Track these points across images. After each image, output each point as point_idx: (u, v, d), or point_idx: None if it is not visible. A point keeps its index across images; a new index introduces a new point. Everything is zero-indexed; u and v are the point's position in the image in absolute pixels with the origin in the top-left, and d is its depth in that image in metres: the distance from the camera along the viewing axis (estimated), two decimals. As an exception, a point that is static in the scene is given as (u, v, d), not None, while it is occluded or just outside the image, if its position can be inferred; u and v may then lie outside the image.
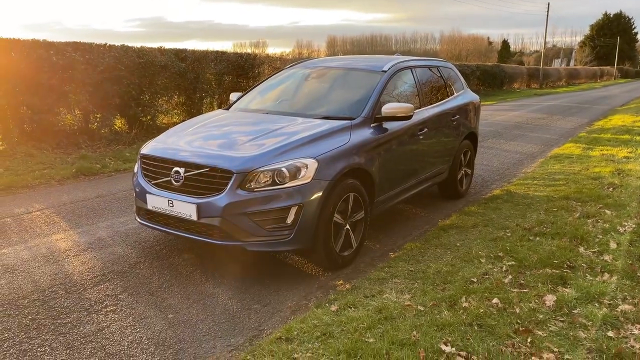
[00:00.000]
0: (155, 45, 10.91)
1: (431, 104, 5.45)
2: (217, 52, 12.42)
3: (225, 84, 12.34)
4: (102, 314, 3.30)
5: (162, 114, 11.14)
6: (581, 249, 4.24)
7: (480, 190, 6.65)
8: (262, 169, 3.59)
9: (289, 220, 3.61)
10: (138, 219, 4.17)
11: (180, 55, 11.13)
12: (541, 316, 3.12)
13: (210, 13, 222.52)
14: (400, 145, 4.75)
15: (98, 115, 9.29)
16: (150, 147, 4.19)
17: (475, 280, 3.64)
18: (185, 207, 3.67)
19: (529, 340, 2.86)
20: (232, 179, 3.57)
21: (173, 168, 3.80)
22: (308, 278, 3.92)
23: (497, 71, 28.07)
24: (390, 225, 5.19)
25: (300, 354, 2.76)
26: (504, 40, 74.41)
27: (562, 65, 67.53)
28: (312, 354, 2.76)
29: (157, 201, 3.85)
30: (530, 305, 3.26)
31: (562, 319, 3.11)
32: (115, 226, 4.93)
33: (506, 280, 3.63)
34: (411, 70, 5.31)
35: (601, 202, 5.61)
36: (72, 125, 9.21)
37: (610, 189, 6.22)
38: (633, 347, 2.81)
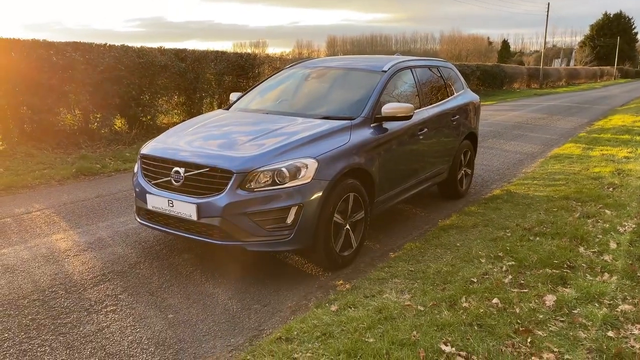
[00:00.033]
0: (155, 45, 10.96)
1: (431, 104, 5.46)
2: (217, 52, 12.42)
3: (225, 84, 12.35)
4: (102, 314, 3.30)
5: (162, 114, 11.14)
6: (581, 249, 4.24)
7: (480, 190, 6.65)
8: (262, 169, 3.59)
9: (289, 220, 3.61)
10: (138, 219, 4.17)
11: (180, 55, 11.14)
12: (541, 316, 3.12)
13: (210, 13, 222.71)
14: (400, 145, 4.75)
15: (98, 115, 9.29)
16: (150, 147, 4.19)
17: (475, 280, 3.64)
18: (185, 207, 3.67)
19: (529, 340, 2.86)
20: (232, 179, 3.57)
21: (173, 168, 3.80)
22: (308, 278, 3.92)
23: (497, 71, 28.07)
24: (390, 225, 5.19)
25: (300, 354, 2.76)
26: (504, 40, 74.44)
27: (562, 65, 67.52)
28: (312, 354, 2.76)
29: (157, 201, 3.85)
30: (530, 305, 3.26)
31: (562, 319, 3.11)
32: (115, 226, 4.93)
33: (506, 280, 3.63)
34: (411, 70, 5.31)
35: (601, 202, 5.61)
36: (72, 125, 9.21)
37: (610, 189, 6.22)
38: (633, 347, 2.81)
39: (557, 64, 70.85)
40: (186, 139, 4.21)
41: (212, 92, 12.20)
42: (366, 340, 2.84)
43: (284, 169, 3.61)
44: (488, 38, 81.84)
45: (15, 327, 3.12)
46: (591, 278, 3.68)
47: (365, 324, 3.01)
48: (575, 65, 66.95)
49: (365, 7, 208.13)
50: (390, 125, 4.54)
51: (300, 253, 4.21)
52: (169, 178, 3.81)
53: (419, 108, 5.13)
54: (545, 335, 2.93)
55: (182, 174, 3.75)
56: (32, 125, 8.34)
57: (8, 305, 3.37)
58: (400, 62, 5.18)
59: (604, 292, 3.42)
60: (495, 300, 3.30)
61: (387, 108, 4.39)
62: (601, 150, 9.07)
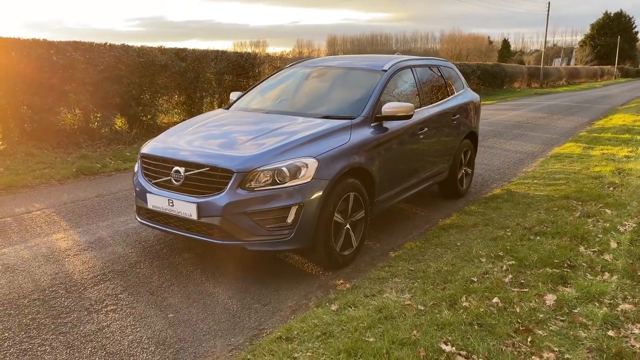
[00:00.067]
0: (155, 44, 10.94)
1: (431, 103, 5.45)
2: (217, 51, 12.41)
3: (225, 83, 12.35)
4: (102, 314, 3.30)
5: (162, 113, 11.14)
6: (581, 249, 4.24)
7: (480, 189, 6.65)
8: (262, 168, 3.59)
9: (289, 219, 3.61)
10: (138, 219, 4.17)
11: (180, 54, 11.13)
12: (541, 315, 3.12)
13: (211, 12, 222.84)
14: (401, 145, 4.75)
15: (98, 115, 9.29)
16: (150, 147, 4.19)
17: (475, 279, 3.64)
18: (186, 207, 3.67)
19: (529, 339, 2.86)
20: (232, 178, 3.57)
21: (173, 167, 3.80)
22: (308, 277, 3.92)
23: (497, 70, 28.05)
24: (391, 224, 5.19)
25: (301, 353, 2.76)
26: (505, 39, 74.30)
27: (562, 64, 67.44)
28: (313, 353, 2.76)
29: (157, 200, 3.85)
30: (531, 304, 3.26)
31: (562, 318, 3.11)
32: (116, 225, 4.93)
33: (506, 280, 3.63)
34: (411, 70, 5.31)
35: (601, 201, 5.60)
36: (72, 125, 9.21)
37: (611, 188, 6.21)
38: (633, 346, 2.81)
39: (557, 63, 70.73)
40: (186, 139, 4.21)
41: (213, 91, 12.20)
42: (366, 339, 2.84)
43: (284, 169, 3.61)
44: (488, 37, 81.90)
45: (16, 326, 3.12)
46: (591, 277, 3.68)
47: (365, 324, 3.01)
48: (575, 64, 66.86)
49: (366, 6, 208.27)
50: (391, 125, 4.54)
51: (301, 252, 4.21)
52: (169, 177, 3.81)
53: (419, 107, 5.13)
54: (545, 334, 2.93)
55: (182, 174, 3.74)
56: (33, 125, 8.34)
57: (8, 305, 3.37)
58: (400, 62, 5.18)
59: (604, 291, 3.42)
60: (495, 300, 3.29)
61: (388, 107, 4.39)
62: (602, 150, 9.06)
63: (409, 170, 5.01)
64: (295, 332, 2.97)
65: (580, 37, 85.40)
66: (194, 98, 11.62)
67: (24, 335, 3.03)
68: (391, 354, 2.69)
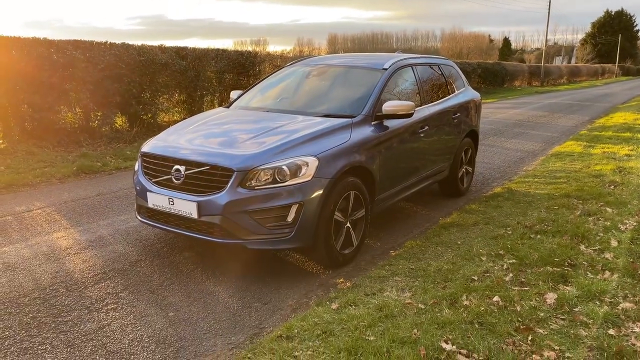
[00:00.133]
0: (156, 43, 10.88)
1: (432, 101, 5.44)
2: (217, 50, 12.40)
3: (225, 82, 12.33)
4: (102, 312, 3.30)
5: (162, 112, 11.13)
6: (582, 247, 4.23)
7: (481, 188, 6.64)
8: (262, 167, 3.59)
9: (290, 218, 3.61)
10: (139, 217, 4.17)
11: (181, 53, 11.11)
12: (542, 314, 3.12)
13: (211, 11, 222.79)
14: (401, 143, 4.74)
15: (99, 114, 9.28)
16: (150, 145, 4.18)
17: (476, 278, 3.64)
18: (186, 205, 3.67)
19: (529, 338, 2.86)
20: (233, 177, 3.57)
21: (174, 166, 3.80)
22: (309, 276, 3.92)
23: (498, 69, 28.03)
24: (391, 223, 5.19)
25: (301, 352, 2.76)
26: (505, 37, 74.31)
27: (563, 62, 67.42)
28: (313, 352, 2.76)
29: (157, 199, 3.85)
30: (531, 303, 3.25)
31: (563, 317, 3.11)
32: (116, 224, 4.93)
33: (507, 278, 3.63)
34: (412, 68, 5.30)
35: (602, 200, 5.60)
36: (72, 124, 9.20)
37: (612, 187, 6.21)
38: (634, 345, 2.81)
39: (558, 61, 70.70)
40: (187, 137, 4.20)
41: (213, 90, 12.18)
42: (367, 338, 2.84)
43: (284, 167, 3.61)
44: (489, 36, 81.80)
45: (16, 325, 3.12)
46: (592, 276, 3.68)
47: (366, 322, 3.01)
48: (576, 62, 66.82)
49: (366, 4, 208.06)
50: (391, 123, 4.53)
51: (301, 251, 4.21)
52: (170, 176, 3.81)
53: (420, 106, 5.13)
54: (546, 333, 2.93)
55: (182, 172, 3.74)
56: (33, 124, 8.34)
57: (9, 304, 3.37)
58: (401, 60, 5.17)
59: (605, 290, 3.42)
60: (496, 298, 3.29)
61: (388, 106, 4.38)
62: (602, 148, 9.05)
63: (410, 168, 5.00)
64: (296, 330, 2.97)
65: (581, 36, 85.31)
66: (195, 97, 11.61)
67: (24, 334, 3.03)
68: (391, 353, 2.69)
